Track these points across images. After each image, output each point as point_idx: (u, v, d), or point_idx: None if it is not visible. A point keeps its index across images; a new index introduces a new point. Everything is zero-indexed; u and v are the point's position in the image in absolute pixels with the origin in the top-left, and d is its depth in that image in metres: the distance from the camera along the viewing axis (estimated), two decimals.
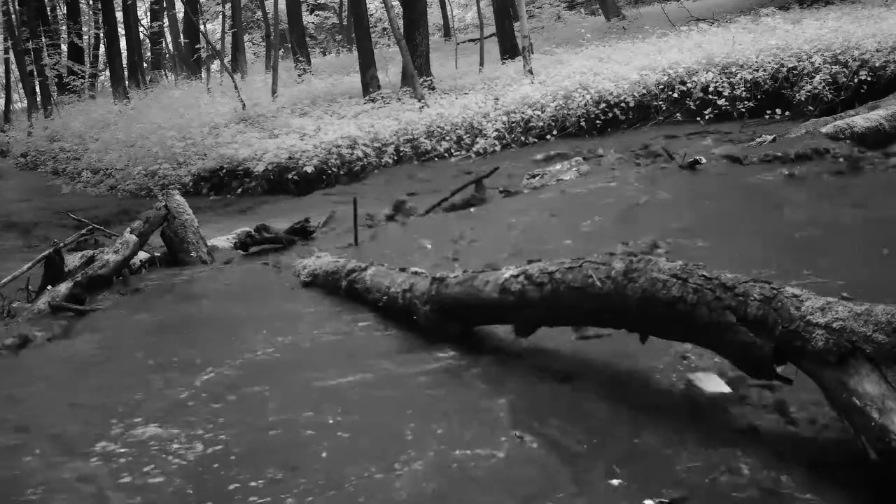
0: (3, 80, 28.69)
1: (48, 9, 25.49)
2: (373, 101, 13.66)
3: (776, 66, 10.05)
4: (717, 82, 10.33)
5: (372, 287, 4.12)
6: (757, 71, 10.12)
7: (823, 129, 6.51)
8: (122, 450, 2.74)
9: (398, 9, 16.90)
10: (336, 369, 3.32)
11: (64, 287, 5.06)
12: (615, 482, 2.23)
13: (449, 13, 24.78)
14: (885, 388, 1.99)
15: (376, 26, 26.18)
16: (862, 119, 6.53)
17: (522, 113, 11.35)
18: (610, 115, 10.91)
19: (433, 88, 13.88)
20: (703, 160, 6.24)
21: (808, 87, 9.47)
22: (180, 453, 2.67)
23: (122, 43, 23.69)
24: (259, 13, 27.43)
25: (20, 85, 26.38)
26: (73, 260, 5.83)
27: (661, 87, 10.81)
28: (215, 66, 23.48)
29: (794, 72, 9.88)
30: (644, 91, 10.84)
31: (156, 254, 6.07)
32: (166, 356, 3.80)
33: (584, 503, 2.16)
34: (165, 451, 2.69)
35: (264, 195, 11.36)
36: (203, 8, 23.69)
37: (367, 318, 4.02)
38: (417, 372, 3.23)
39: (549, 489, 2.23)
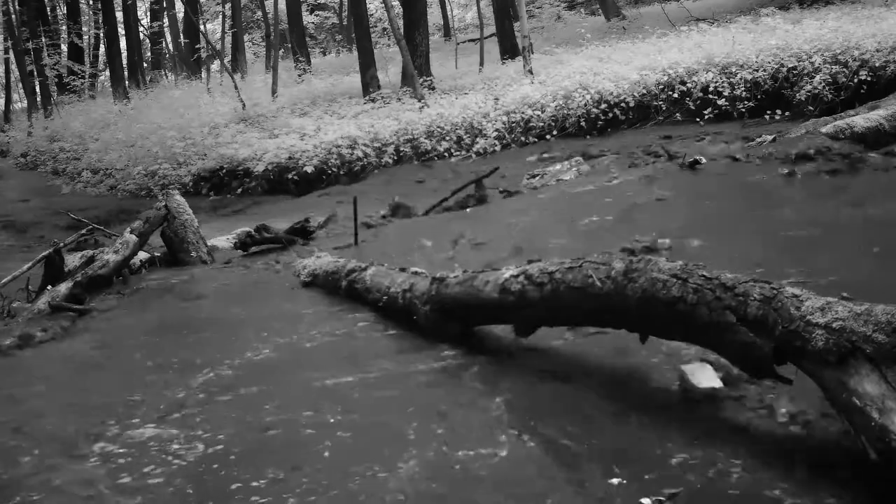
0: (3, 80, 28.68)
1: (48, 9, 25.47)
2: (373, 101, 13.65)
3: (776, 66, 10.04)
4: (717, 82, 10.33)
5: (372, 287, 4.12)
6: (757, 71, 10.11)
7: (823, 129, 6.51)
8: (121, 450, 2.74)
9: (398, 9, 16.90)
10: (336, 369, 3.32)
11: (64, 287, 5.06)
12: (615, 481, 2.24)
13: (449, 13, 24.78)
14: (885, 388, 1.99)
15: (376, 26, 26.17)
16: (862, 119, 6.52)
17: (522, 113, 11.35)
18: (610, 115, 10.90)
19: (433, 88, 13.88)
20: (704, 160, 6.23)
21: (808, 87, 9.46)
22: (180, 454, 2.66)
23: (122, 43, 23.68)
24: (259, 13, 27.43)
25: (20, 85, 26.37)
26: (73, 260, 5.84)
27: (661, 87, 10.81)
28: (215, 66, 23.48)
29: (794, 72, 9.88)
30: (644, 91, 10.84)
31: (156, 254, 6.07)
32: (166, 356, 3.80)
33: (584, 502, 2.16)
34: (165, 452, 2.69)
35: (264, 195, 11.36)
36: (203, 8, 23.69)
37: (367, 317, 4.03)
38: (417, 372, 3.23)
39: (549, 488, 2.24)
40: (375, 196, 8.79)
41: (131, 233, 5.65)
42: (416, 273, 3.90)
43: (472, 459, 2.44)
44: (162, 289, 5.27)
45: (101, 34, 23.71)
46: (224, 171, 12.22)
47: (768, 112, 9.57)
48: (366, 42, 15.32)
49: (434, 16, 25.56)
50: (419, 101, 12.82)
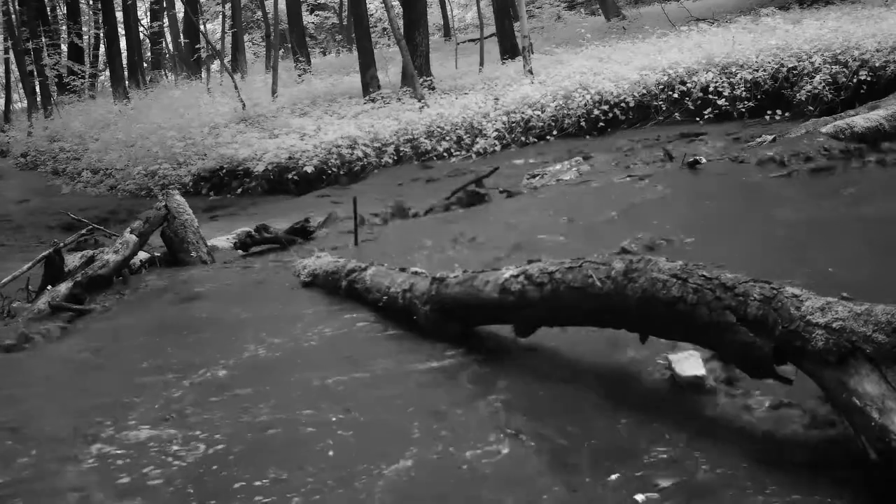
0: (3, 80, 28.66)
1: (48, 9, 25.46)
2: (373, 101, 13.65)
3: (776, 66, 10.04)
4: (717, 82, 10.32)
5: (372, 287, 4.12)
6: (757, 71, 10.11)
7: (823, 129, 6.51)
8: (120, 451, 2.73)
9: (398, 9, 16.90)
10: (336, 369, 3.32)
11: (64, 287, 5.06)
12: (613, 477, 2.26)
13: (449, 13, 24.78)
14: (885, 388, 1.99)
15: (376, 26, 26.17)
16: (862, 119, 6.52)
17: (522, 113, 11.35)
18: (610, 115, 10.90)
19: (433, 88, 13.88)
20: (704, 160, 6.23)
21: (808, 87, 9.46)
22: (180, 454, 2.66)
23: (122, 43, 23.68)
24: (259, 13, 27.42)
25: (20, 85, 26.35)
26: (73, 260, 5.83)
27: (661, 87, 10.81)
28: (215, 66, 23.47)
29: (794, 72, 9.87)
30: (644, 91, 10.84)
31: (156, 254, 6.07)
32: (165, 356, 3.80)
33: (584, 499, 2.17)
34: (164, 452, 2.68)
35: (264, 195, 11.36)
36: (203, 8, 23.68)
37: (367, 317, 4.02)
38: (418, 371, 3.23)
39: (549, 485, 2.25)
40: (375, 196, 8.80)
41: (131, 233, 5.65)
42: (416, 273, 3.89)
43: (475, 458, 2.44)
44: (162, 289, 5.26)
45: (101, 34, 23.71)
46: (224, 171, 12.23)
47: (768, 112, 9.57)
48: (366, 42, 15.32)
49: (434, 16, 25.56)
50: (419, 101, 12.82)
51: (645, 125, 10.69)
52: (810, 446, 2.35)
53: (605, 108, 10.91)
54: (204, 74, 21.82)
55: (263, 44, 25.00)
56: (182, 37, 25.80)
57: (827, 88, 9.32)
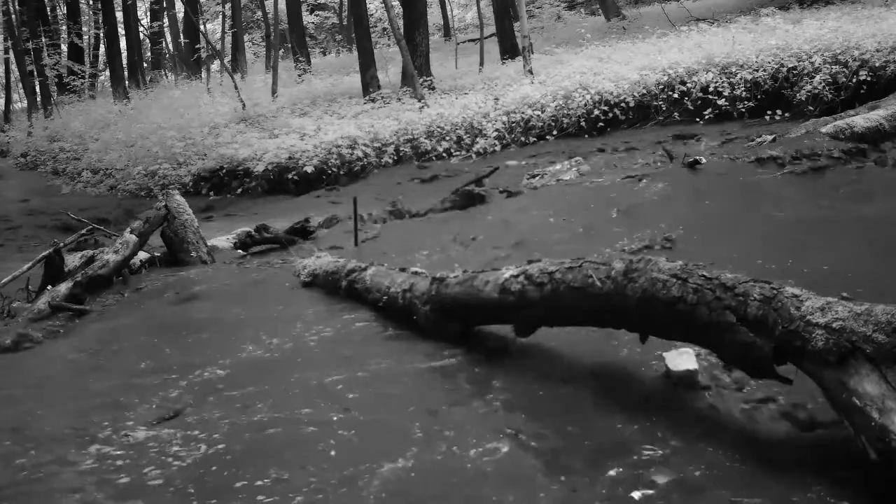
0: (3, 80, 28.67)
1: (48, 9, 25.47)
2: (373, 101, 13.66)
3: (776, 66, 10.04)
4: (717, 82, 10.33)
5: (372, 287, 4.12)
6: (757, 71, 10.11)
7: (823, 129, 6.51)
8: (119, 451, 2.73)
9: (398, 9, 16.90)
10: (336, 368, 3.32)
11: (64, 287, 5.06)
12: (611, 474, 2.27)
13: (449, 13, 24.78)
14: (885, 388, 1.99)
15: (376, 26, 26.18)
16: (862, 119, 6.53)
17: (522, 113, 11.35)
18: (610, 115, 10.91)
19: (433, 88, 13.88)
20: (704, 160, 6.23)
21: (808, 87, 9.46)
22: (180, 455, 2.66)
23: (122, 43, 23.69)
24: (259, 13, 27.43)
25: (20, 85, 26.37)
26: (73, 260, 5.83)
27: (661, 87, 10.81)
28: (215, 66, 23.48)
29: (794, 72, 9.87)
30: (644, 91, 10.84)
31: (156, 254, 6.07)
32: (165, 357, 3.80)
33: (583, 497, 2.18)
34: (164, 452, 2.68)
35: (264, 195, 11.36)
36: (203, 8, 23.68)
37: (367, 317, 4.02)
38: (418, 371, 3.23)
39: (549, 483, 2.25)
40: (375, 196, 8.80)
41: (131, 233, 5.65)
42: (416, 273, 3.89)
43: (475, 457, 2.45)
44: (162, 289, 5.26)
45: (101, 34, 23.73)
46: (224, 171, 12.23)
47: (768, 112, 9.57)
48: (366, 42, 15.32)
49: (434, 16, 25.56)
50: (419, 101, 12.82)
51: (645, 125, 10.69)
52: (809, 446, 2.36)
53: (605, 108, 10.92)
54: (204, 74, 21.83)
55: (263, 44, 25.00)
56: (182, 37, 25.81)
57: (827, 88, 9.32)
